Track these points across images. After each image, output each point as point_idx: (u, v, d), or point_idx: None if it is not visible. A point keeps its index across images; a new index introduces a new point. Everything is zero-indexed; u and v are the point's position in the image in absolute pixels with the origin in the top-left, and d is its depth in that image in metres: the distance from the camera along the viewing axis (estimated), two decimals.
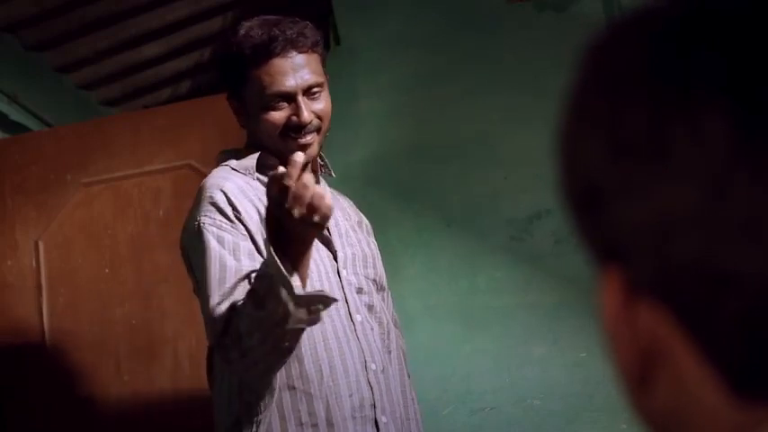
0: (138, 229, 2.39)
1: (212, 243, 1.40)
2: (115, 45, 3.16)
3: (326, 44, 2.91)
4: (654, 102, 0.37)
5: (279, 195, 1.21)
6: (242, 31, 1.51)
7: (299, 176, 1.21)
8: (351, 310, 1.51)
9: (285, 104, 1.49)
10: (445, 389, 2.44)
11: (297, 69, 1.49)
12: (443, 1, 2.69)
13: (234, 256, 1.39)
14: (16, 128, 2.88)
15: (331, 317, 1.46)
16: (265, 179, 1.42)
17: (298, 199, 1.20)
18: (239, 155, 1.58)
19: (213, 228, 1.42)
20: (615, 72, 0.39)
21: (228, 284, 1.36)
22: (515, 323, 2.45)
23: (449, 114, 2.61)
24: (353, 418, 1.44)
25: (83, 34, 3.05)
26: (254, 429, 1.42)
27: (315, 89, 1.51)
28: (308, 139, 1.50)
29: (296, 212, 1.20)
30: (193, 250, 1.45)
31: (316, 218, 1.21)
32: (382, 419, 1.47)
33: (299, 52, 1.50)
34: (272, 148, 1.52)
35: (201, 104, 2.50)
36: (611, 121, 0.38)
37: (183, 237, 1.52)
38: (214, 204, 1.44)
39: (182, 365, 2.27)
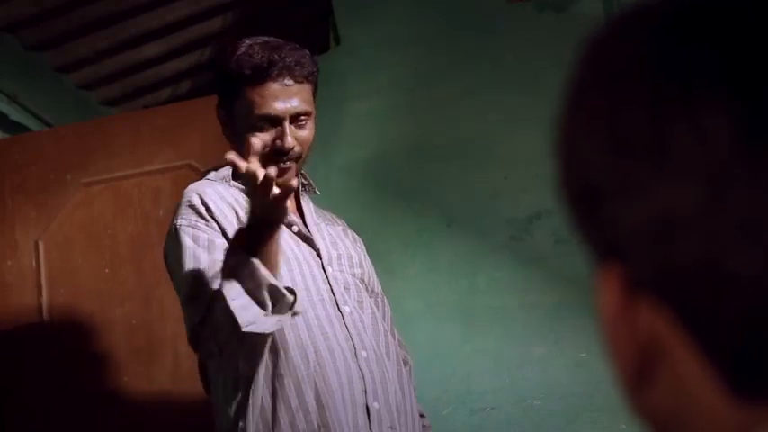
0: (138, 229, 2.39)
1: (187, 241, 1.47)
2: (115, 45, 3.16)
3: (326, 44, 2.92)
4: (654, 99, 0.36)
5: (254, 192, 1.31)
6: (243, 49, 1.56)
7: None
8: (338, 301, 1.55)
9: (271, 128, 1.55)
10: (445, 389, 2.44)
11: (288, 96, 1.55)
12: (443, 1, 2.69)
13: (208, 251, 1.45)
14: (16, 128, 2.88)
15: (315, 307, 1.51)
16: (241, 185, 1.55)
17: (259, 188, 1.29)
18: (217, 169, 1.66)
19: (189, 228, 1.48)
20: (614, 69, 0.39)
21: (203, 278, 1.42)
22: (515, 323, 2.44)
23: (449, 114, 2.61)
24: (344, 402, 1.45)
25: (83, 34, 3.05)
26: (248, 421, 1.44)
27: (302, 117, 1.57)
28: (287, 165, 1.56)
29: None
30: (171, 252, 1.51)
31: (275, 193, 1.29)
32: (374, 405, 1.48)
33: (294, 81, 1.55)
34: None
35: (201, 104, 2.50)
36: (610, 118, 0.38)
37: (165, 243, 1.57)
38: (191, 207, 1.51)
39: (182, 365, 2.27)
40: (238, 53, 1.55)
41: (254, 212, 1.33)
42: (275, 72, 1.53)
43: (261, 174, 1.28)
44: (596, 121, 0.39)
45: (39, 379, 2.35)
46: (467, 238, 2.52)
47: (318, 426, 1.42)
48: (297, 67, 1.55)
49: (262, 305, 1.33)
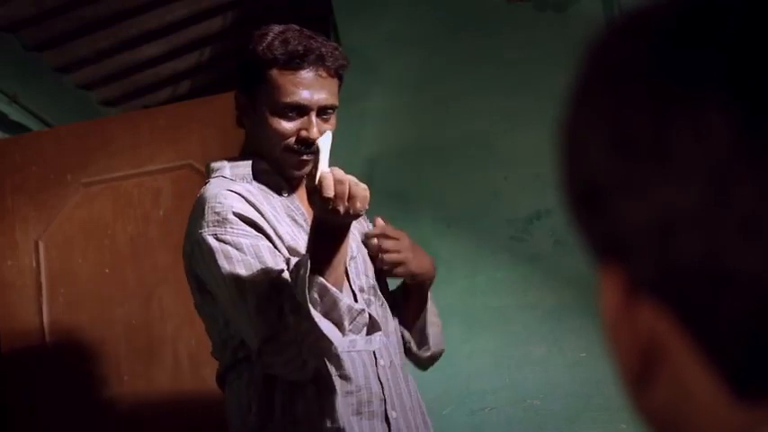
0: (138, 229, 2.39)
1: (232, 252, 1.39)
2: (115, 45, 3.16)
3: None
4: (656, 99, 0.36)
5: (322, 202, 1.28)
6: (276, 32, 1.51)
7: (317, 172, 1.30)
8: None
9: (297, 117, 1.50)
10: (445, 389, 2.44)
11: (319, 87, 1.50)
12: (443, 1, 2.69)
13: (258, 259, 1.39)
14: (16, 128, 2.88)
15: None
16: (263, 184, 1.52)
17: (341, 197, 1.28)
18: (232, 163, 1.58)
19: (227, 236, 1.41)
20: (618, 69, 0.39)
21: (262, 287, 1.37)
22: (515, 323, 2.44)
23: (449, 114, 2.61)
24: (359, 414, 1.44)
25: (83, 34, 3.06)
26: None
27: (328, 111, 1.53)
28: (308, 157, 1.51)
29: (341, 209, 1.28)
30: (206, 264, 1.43)
31: (358, 205, 1.30)
32: (392, 414, 1.48)
33: (327, 72, 1.51)
34: (270, 156, 1.53)
35: (201, 104, 2.50)
36: (613, 117, 0.38)
37: (188, 248, 1.49)
38: (219, 214, 1.43)
39: (182, 365, 2.27)
40: (272, 36, 1.50)
41: (322, 220, 1.33)
42: (310, 60, 1.49)
43: (329, 181, 1.28)
44: (599, 120, 0.39)
45: (39, 379, 2.35)
46: (467, 239, 2.52)
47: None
48: (330, 59, 1.50)
49: (339, 326, 1.35)
